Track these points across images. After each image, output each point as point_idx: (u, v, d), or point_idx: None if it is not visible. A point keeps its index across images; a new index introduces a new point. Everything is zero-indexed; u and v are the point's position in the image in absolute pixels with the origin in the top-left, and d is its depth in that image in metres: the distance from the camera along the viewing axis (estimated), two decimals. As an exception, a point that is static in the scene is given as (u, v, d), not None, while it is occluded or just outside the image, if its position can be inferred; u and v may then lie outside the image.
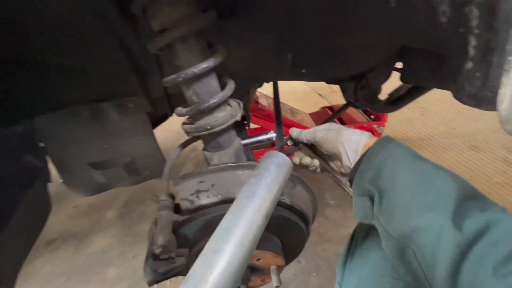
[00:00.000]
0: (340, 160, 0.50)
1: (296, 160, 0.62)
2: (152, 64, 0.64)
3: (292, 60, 0.71)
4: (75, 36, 0.54)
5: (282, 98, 2.16)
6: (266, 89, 1.41)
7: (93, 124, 0.75)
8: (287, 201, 0.49)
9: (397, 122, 2.17)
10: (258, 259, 0.49)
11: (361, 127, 1.56)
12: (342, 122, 1.60)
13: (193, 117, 0.53)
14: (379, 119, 1.59)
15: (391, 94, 1.44)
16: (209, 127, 0.50)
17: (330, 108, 1.80)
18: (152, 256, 0.44)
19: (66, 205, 1.44)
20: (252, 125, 1.41)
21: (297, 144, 0.62)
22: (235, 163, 0.48)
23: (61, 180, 0.82)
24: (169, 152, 0.61)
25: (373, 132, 1.58)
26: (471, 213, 0.33)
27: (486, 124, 2.01)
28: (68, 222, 1.35)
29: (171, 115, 1.03)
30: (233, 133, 0.57)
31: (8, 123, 0.63)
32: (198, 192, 0.46)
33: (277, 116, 0.91)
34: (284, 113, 1.56)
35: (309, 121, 1.68)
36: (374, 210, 0.42)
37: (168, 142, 1.98)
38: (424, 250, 0.34)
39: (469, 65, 0.42)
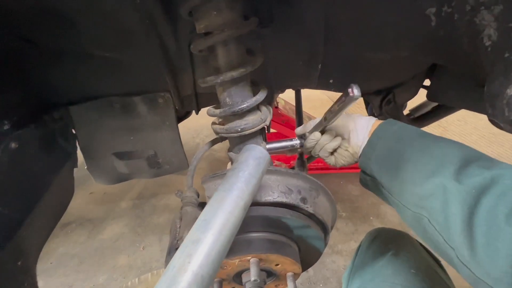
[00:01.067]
0: (349, 139, 0.52)
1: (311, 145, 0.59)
2: (186, 64, 0.66)
3: (321, 70, 0.72)
4: (119, 31, 0.57)
5: (301, 105, 2.13)
6: (284, 94, 1.42)
7: (124, 116, 0.78)
8: (310, 209, 0.49)
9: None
10: (277, 264, 0.49)
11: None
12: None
13: (225, 119, 0.54)
14: None
15: (413, 111, 1.41)
16: (239, 129, 0.51)
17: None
18: (176, 250, 0.46)
19: (83, 190, 1.49)
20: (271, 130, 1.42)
21: (303, 137, 0.61)
22: (263, 167, 0.49)
23: (86, 167, 0.86)
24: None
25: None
26: (476, 171, 0.34)
27: (510, 150, 1.94)
28: (84, 207, 1.40)
29: (197, 113, 1.06)
30: (260, 137, 0.58)
31: (47, 108, 0.66)
32: (225, 191, 0.47)
33: (299, 123, 0.91)
34: (303, 121, 1.56)
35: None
36: (386, 187, 0.45)
37: (184, 138, 2.02)
38: (435, 214, 0.36)
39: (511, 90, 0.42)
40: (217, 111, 0.51)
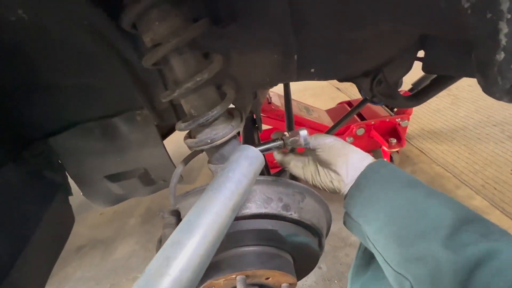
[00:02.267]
0: (336, 171, 0.48)
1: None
2: (154, 77, 0.63)
3: (299, 60, 0.67)
4: (76, 55, 0.55)
5: (299, 96, 2.10)
6: (279, 88, 1.37)
7: (106, 138, 0.76)
8: (295, 216, 0.46)
9: (424, 113, 2.02)
10: (267, 278, 0.46)
11: (383, 122, 1.46)
12: (362, 118, 1.52)
13: (194, 131, 0.51)
14: (402, 112, 1.48)
15: (415, 84, 1.33)
16: (209, 140, 0.48)
17: (348, 103, 1.71)
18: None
19: (94, 213, 1.52)
20: (266, 126, 1.38)
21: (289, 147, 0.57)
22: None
23: (82, 194, 0.86)
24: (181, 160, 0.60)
25: (396, 126, 1.47)
26: (470, 239, 0.31)
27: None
28: (96, 229, 1.42)
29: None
30: (236, 142, 0.55)
31: (24, 145, 0.66)
32: (199, 210, 0.45)
33: (288, 125, 0.87)
34: (299, 112, 1.51)
35: (326, 118, 1.61)
36: (370, 238, 0.41)
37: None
38: (421, 281, 0.33)
39: (501, 56, 0.36)
40: (183, 125, 0.48)
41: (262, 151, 0.62)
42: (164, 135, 0.95)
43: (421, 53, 0.78)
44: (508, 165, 1.43)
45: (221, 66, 0.47)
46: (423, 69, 0.81)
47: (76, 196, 0.82)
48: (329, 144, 0.50)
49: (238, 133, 0.55)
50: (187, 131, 0.54)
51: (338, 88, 2.69)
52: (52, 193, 0.72)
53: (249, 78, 0.68)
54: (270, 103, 1.40)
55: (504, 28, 0.33)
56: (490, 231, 0.32)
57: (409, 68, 0.84)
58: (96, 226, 1.44)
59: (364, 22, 0.60)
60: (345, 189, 0.47)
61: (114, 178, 0.85)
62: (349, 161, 0.46)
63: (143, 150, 0.81)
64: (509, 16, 0.32)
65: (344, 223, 0.50)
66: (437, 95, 0.96)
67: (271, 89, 1.45)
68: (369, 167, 0.45)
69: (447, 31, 0.50)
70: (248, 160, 0.37)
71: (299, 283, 1.03)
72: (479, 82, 0.42)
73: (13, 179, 0.61)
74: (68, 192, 0.82)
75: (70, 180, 0.81)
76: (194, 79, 0.43)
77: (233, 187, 0.32)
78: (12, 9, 0.41)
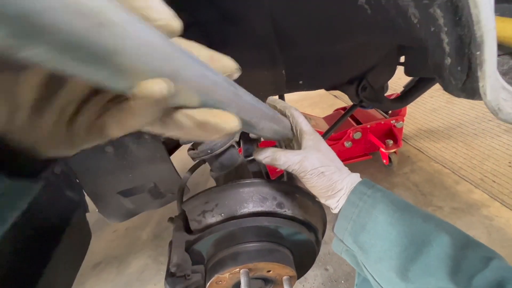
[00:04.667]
0: (331, 199, 0.43)
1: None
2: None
3: (287, 74, 0.74)
4: None
5: (298, 105, 2.17)
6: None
7: (118, 157, 0.84)
8: (289, 212, 0.51)
9: (420, 113, 2.06)
10: (268, 271, 0.51)
11: (379, 124, 1.52)
12: (358, 122, 1.57)
13: (196, 143, 0.58)
14: (396, 114, 1.53)
15: (406, 86, 1.39)
16: (209, 150, 0.55)
17: (344, 109, 1.77)
18: (170, 274, 0.49)
19: (107, 230, 1.58)
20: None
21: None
22: (236, 181, 0.52)
23: (97, 210, 0.93)
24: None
25: (392, 128, 1.52)
26: (475, 268, 0.30)
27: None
28: (110, 245, 1.48)
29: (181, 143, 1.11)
30: (235, 151, 0.62)
31: (48, 165, 0.73)
32: (204, 212, 0.51)
33: None
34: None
35: (324, 125, 1.67)
36: (368, 268, 0.39)
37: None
38: None
39: (449, 61, 0.43)
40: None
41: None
42: (171, 151, 1.02)
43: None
44: (505, 158, 1.46)
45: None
46: (405, 72, 0.87)
47: (91, 215, 0.88)
48: (317, 172, 0.41)
49: (238, 144, 0.61)
50: (190, 144, 0.61)
51: (335, 96, 2.76)
52: (72, 210, 0.79)
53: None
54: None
55: (445, 38, 0.39)
56: (489, 257, 0.31)
57: (391, 73, 0.91)
58: (111, 243, 1.50)
59: (342, 37, 0.68)
60: (335, 210, 0.42)
61: (126, 193, 0.92)
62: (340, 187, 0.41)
63: (151, 166, 0.88)
64: (446, 29, 0.38)
65: (334, 246, 0.45)
66: (431, 95, 1.02)
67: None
68: (359, 187, 0.41)
69: (411, 42, 0.57)
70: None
71: (307, 285, 1.06)
72: (439, 83, 0.48)
73: (39, 200, 0.67)
74: (86, 209, 0.89)
75: (86, 198, 0.88)
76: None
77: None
78: None
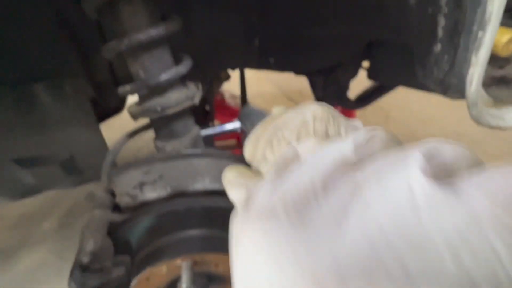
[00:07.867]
0: None
1: None
2: (95, 39, 0.54)
3: (260, 48, 0.67)
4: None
5: (250, 101, 2.11)
6: (233, 87, 1.36)
7: (21, 109, 0.61)
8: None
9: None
10: (217, 265, 0.41)
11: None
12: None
13: (141, 98, 0.44)
14: (349, 115, 1.62)
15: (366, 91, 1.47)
16: (159, 108, 0.42)
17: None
18: (79, 267, 0.34)
19: (-10, 215, 1.20)
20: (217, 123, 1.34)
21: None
22: (191, 150, 0.41)
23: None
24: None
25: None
26: None
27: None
28: (-8, 235, 1.12)
29: (122, 107, 0.92)
30: (190, 120, 0.50)
31: None
32: (142, 184, 0.38)
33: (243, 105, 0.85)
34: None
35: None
36: None
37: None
38: None
39: (438, 47, 0.41)
40: (128, 86, 0.41)
41: (215, 134, 0.59)
42: (104, 115, 0.82)
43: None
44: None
45: (179, 27, 0.43)
46: (368, 76, 0.90)
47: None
48: None
49: (199, 114, 0.49)
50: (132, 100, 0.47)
51: (291, 99, 2.82)
52: None
53: (208, 55, 0.64)
54: (223, 100, 1.37)
55: (441, 21, 0.38)
56: None
57: (355, 73, 0.93)
58: (-6, 231, 1.14)
59: (323, 23, 0.64)
60: None
61: (26, 162, 0.69)
62: None
63: (71, 131, 0.67)
64: (446, 10, 0.36)
65: None
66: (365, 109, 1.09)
67: (225, 88, 1.43)
68: None
69: (395, 33, 0.56)
70: None
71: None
72: (417, 74, 0.47)
73: None
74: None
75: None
76: (149, 31, 0.37)
77: None
78: None
